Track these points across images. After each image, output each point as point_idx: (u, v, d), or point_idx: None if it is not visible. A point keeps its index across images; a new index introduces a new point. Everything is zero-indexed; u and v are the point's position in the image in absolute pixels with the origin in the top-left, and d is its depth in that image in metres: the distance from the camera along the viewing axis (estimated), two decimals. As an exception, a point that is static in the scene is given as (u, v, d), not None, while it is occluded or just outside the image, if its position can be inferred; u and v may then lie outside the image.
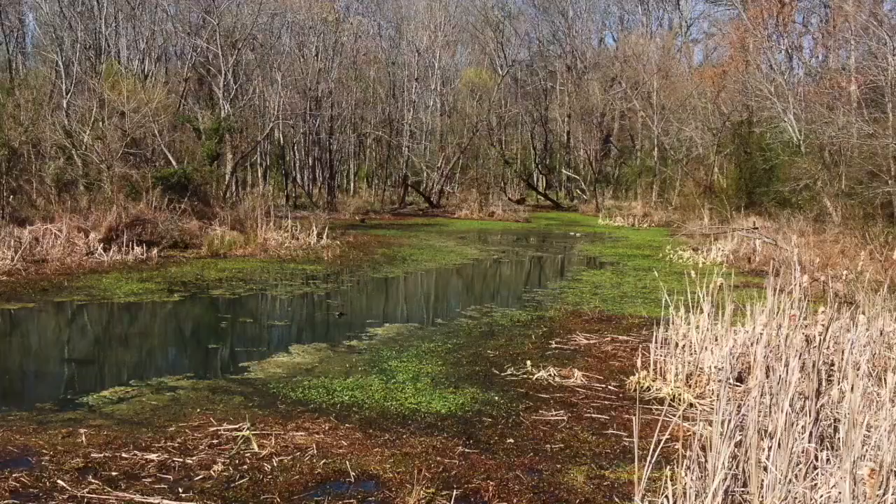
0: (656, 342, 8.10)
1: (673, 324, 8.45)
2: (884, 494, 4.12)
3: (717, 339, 7.84)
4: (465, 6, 51.17)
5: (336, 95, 36.60)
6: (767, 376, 5.20)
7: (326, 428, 6.23)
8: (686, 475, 4.42)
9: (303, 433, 6.07)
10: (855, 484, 4.02)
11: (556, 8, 51.67)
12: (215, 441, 5.85)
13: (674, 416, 6.45)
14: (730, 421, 4.45)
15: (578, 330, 10.37)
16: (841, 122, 21.58)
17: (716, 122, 32.36)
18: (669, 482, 4.36)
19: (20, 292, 12.04)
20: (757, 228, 21.06)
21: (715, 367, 7.46)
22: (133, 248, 16.16)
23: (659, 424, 5.21)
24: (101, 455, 5.49)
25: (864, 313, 7.23)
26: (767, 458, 4.39)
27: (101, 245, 15.96)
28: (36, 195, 19.04)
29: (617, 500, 5.01)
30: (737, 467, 4.63)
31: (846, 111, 22.40)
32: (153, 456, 5.50)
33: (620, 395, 7.40)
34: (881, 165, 19.95)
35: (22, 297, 11.69)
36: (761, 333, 6.82)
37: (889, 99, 20.43)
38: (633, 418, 5.35)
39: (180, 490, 4.97)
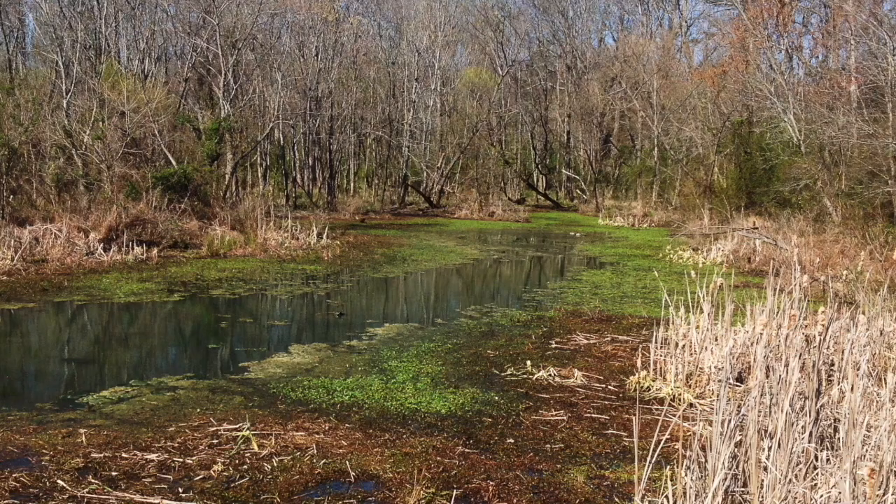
0: (656, 342, 8.10)
1: (673, 324, 8.45)
2: (884, 494, 4.12)
3: (717, 339, 7.85)
4: (465, 6, 51.26)
5: (336, 95, 36.61)
6: (767, 376, 5.20)
7: (326, 428, 6.23)
8: (686, 475, 4.42)
9: (303, 433, 6.07)
10: (855, 484, 4.02)
11: (556, 8, 51.68)
12: (215, 441, 5.85)
13: (674, 416, 6.46)
14: (730, 421, 4.45)
15: (578, 330, 10.37)
16: (841, 122, 21.59)
17: (716, 122, 32.35)
18: (669, 482, 4.36)
19: (20, 292, 12.04)
20: (757, 228, 21.05)
21: (715, 367, 7.47)
22: (133, 248, 16.16)
23: (659, 424, 5.22)
24: (101, 455, 5.49)
25: (864, 313, 7.23)
26: (767, 458, 4.39)
27: (101, 245, 15.97)
28: (36, 195, 19.06)
29: (617, 500, 5.01)
30: (737, 467, 4.63)
31: (846, 111, 22.40)
32: (153, 456, 5.50)
33: (620, 395, 7.40)
34: (881, 165, 19.96)
35: (22, 297, 11.69)
36: (761, 333, 6.83)
37: (889, 99, 20.43)
38: (633, 418, 5.35)
39: (180, 490, 4.97)
